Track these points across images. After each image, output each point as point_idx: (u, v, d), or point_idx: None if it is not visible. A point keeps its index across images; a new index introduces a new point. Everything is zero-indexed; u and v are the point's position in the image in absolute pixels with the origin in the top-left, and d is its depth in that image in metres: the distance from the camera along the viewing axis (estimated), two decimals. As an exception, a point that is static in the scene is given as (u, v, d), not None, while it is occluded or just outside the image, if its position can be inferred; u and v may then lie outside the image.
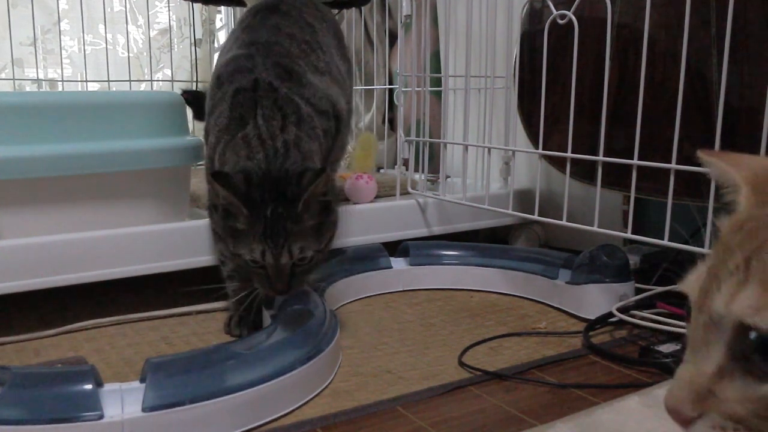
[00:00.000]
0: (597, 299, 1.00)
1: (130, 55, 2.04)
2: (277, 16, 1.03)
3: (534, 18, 1.24)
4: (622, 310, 0.97)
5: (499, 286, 1.16)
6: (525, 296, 1.13)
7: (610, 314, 0.97)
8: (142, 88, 2.04)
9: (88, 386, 0.62)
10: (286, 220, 0.78)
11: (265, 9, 1.05)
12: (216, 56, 2.24)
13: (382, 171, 1.72)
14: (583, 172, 1.15)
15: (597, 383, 0.80)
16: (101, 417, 0.61)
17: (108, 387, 0.65)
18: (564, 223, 1.03)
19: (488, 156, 1.22)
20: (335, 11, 1.93)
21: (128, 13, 2.01)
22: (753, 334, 0.33)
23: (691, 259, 1.21)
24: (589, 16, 1.10)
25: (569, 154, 1.03)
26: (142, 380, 0.65)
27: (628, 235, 0.95)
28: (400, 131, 1.42)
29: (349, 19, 1.95)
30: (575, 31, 0.98)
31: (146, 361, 0.66)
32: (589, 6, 1.08)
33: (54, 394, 0.62)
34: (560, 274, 1.08)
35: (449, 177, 1.42)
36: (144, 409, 0.63)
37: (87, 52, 1.92)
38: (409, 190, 1.34)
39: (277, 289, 0.82)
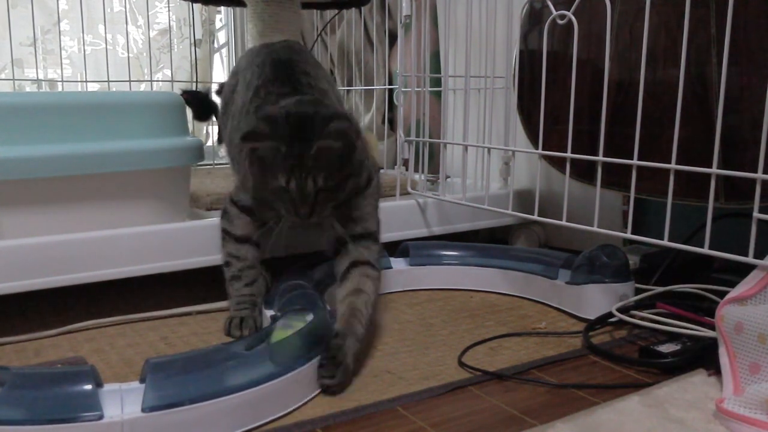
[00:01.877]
0: (597, 299, 1.00)
1: (130, 55, 2.04)
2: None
3: (534, 18, 1.24)
4: (622, 310, 0.97)
5: (499, 287, 1.16)
6: (525, 296, 1.13)
7: (610, 314, 0.97)
8: (142, 89, 2.04)
9: (88, 386, 0.62)
10: (308, 156, 0.84)
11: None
12: (215, 56, 2.25)
13: (382, 171, 1.72)
14: (583, 172, 1.15)
15: (597, 383, 0.80)
16: (101, 417, 0.61)
17: (108, 387, 0.65)
18: (564, 223, 1.03)
19: (488, 156, 1.22)
20: (335, 11, 1.93)
21: (128, 14, 2.01)
22: None
23: (691, 259, 1.20)
24: (589, 16, 1.10)
25: (569, 154, 1.03)
26: (142, 380, 0.65)
27: (628, 235, 0.95)
28: (400, 131, 1.42)
29: (349, 19, 1.96)
30: (575, 31, 0.98)
31: (146, 362, 0.66)
32: (589, 6, 1.08)
33: (54, 395, 0.62)
34: (560, 275, 1.08)
35: (449, 177, 1.42)
36: (144, 410, 0.63)
37: (87, 53, 1.92)
38: (409, 190, 1.34)
39: (301, 213, 0.86)
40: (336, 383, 0.77)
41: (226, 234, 1.00)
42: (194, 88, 1.99)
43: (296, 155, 0.85)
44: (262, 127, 0.86)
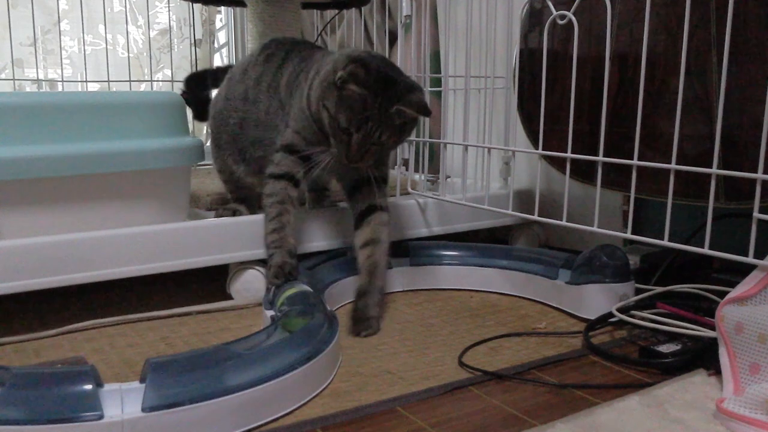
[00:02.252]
0: (597, 299, 1.00)
1: (130, 55, 2.04)
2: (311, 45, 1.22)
3: (534, 18, 1.24)
4: (622, 310, 0.97)
5: (499, 287, 1.16)
6: (525, 296, 1.13)
7: (610, 314, 0.97)
8: (142, 89, 2.04)
9: (88, 386, 0.62)
10: (384, 113, 0.95)
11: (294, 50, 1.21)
12: (215, 56, 2.25)
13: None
14: (583, 173, 1.15)
15: (597, 383, 0.80)
16: (101, 417, 0.61)
17: (108, 387, 0.64)
18: (564, 223, 1.03)
19: (488, 156, 1.22)
20: (335, 11, 1.93)
21: (128, 14, 2.01)
22: None
23: (691, 259, 1.19)
24: (589, 16, 1.11)
25: (569, 154, 1.03)
26: (142, 380, 0.65)
27: (628, 235, 0.95)
28: (400, 131, 1.41)
29: (349, 19, 1.96)
30: (575, 31, 0.98)
31: (146, 361, 0.66)
32: (589, 6, 1.08)
33: (54, 395, 0.62)
34: (560, 275, 1.08)
35: (449, 177, 1.42)
36: (144, 410, 0.63)
37: (87, 53, 1.92)
38: (409, 190, 1.34)
39: (352, 157, 0.97)
40: (373, 332, 0.97)
41: (269, 178, 1.07)
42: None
43: (375, 109, 0.94)
44: (360, 71, 0.94)
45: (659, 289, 1.06)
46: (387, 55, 1.89)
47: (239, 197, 1.23)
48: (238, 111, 1.19)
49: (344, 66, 0.95)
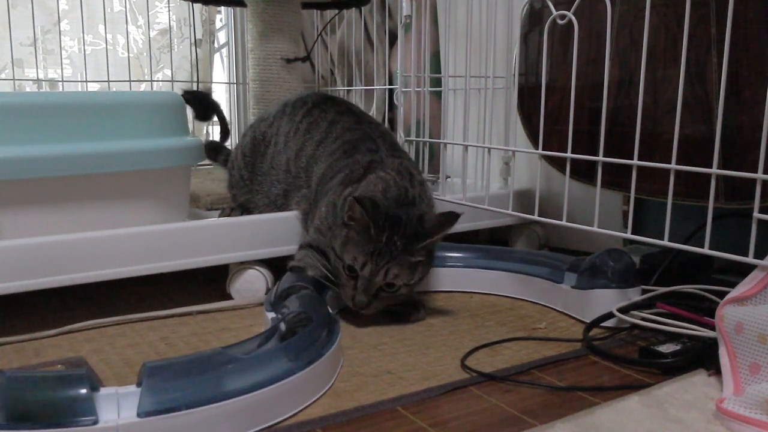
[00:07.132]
0: (603, 304, 0.98)
1: (130, 55, 2.04)
2: (350, 115, 1.20)
3: (534, 18, 1.24)
4: (622, 310, 0.97)
5: (504, 290, 1.15)
6: (530, 300, 1.12)
7: (610, 314, 0.97)
8: (142, 89, 2.04)
9: (83, 390, 0.61)
10: (397, 249, 0.92)
11: (336, 108, 1.22)
12: (215, 56, 2.25)
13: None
14: (583, 173, 1.15)
15: (597, 383, 0.80)
16: (96, 422, 0.60)
17: (104, 391, 0.63)
18: (564, 223, 1.03)
19: (488, 156, 1.22)
20: (335, 11, 1.93)
21: (128, 14, 2.01)
22: None
23: (691, 259, 1.19)
24: (589, 17, 1.10)
25: (569, 154, 1.03)
26: (139, 384, 0.64)
27: (628, 235, 0.95)
28: (400, 131, 1.42)
29: (349, 19, 1.96)
30: (575, 32, 0.98)
31: (142, 365, 0.65)
32: (590, 6, 1.08)
33: (48, 399, 0.60)
34: (566, 278, 1.06)
35: (449, 177, 1.42)
36: (139, 415, 0.62)
37: (87, 53, 1.92)
38: (409, 190, 1.33)
39: (357, 301, 0.94)
40: (423, 317, 1.02)
41: (288, 271, 1.03)
42: (195, 88, 1.99)
43: (381, 242, 0.91)
44: (368, 204, 0.91)
45: (662, 290, 1.05)
46: (387, 55, 1.89)
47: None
48: (281, 182, 1.21)
49: (350, 204, 0.93)
